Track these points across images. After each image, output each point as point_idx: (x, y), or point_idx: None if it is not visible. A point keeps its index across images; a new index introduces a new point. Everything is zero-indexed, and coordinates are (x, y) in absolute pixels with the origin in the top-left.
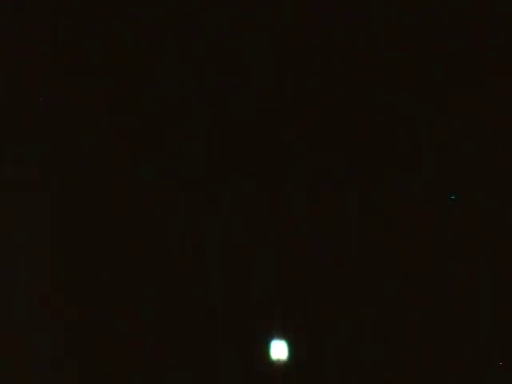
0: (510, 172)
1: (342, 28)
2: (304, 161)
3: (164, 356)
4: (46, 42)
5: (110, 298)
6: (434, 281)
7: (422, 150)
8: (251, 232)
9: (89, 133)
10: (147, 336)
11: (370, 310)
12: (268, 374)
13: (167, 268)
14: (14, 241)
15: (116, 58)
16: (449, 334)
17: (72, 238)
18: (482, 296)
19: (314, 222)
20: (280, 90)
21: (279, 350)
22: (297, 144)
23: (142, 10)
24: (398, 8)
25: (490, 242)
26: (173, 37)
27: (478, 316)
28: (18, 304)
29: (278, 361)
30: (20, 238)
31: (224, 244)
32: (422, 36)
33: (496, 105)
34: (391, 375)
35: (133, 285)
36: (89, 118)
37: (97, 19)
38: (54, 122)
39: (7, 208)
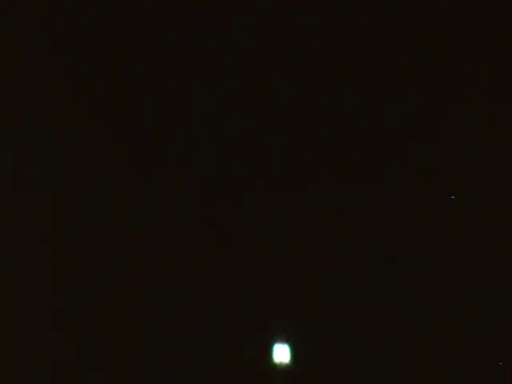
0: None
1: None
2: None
3: (165, 359)
4: (45, 42)
5: (110, 298)
6: (436, 283)
7: (422, 150)
8: (254, 233)
9: (89, 132)
10: (147, 338)
11: (374, 313)
12: (270, 377)
13: (168, 270)
14: (13, 241)
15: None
16: (450, 335)
17: (72, 238)
18: (481, 296)
19: (317, 225)
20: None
21: (282, 353)
22: (297, 144)
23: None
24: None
25: (489, 243)
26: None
27: (477, 316)
28: (17, 303)
29: (281, 364)
30: (20, 239)
31: (226, 245)
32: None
33: (496, 106)
34: (395, 378)
35: (133, 285)
36: (90, 117)
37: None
38: (53, 122)
39: (7, 208)
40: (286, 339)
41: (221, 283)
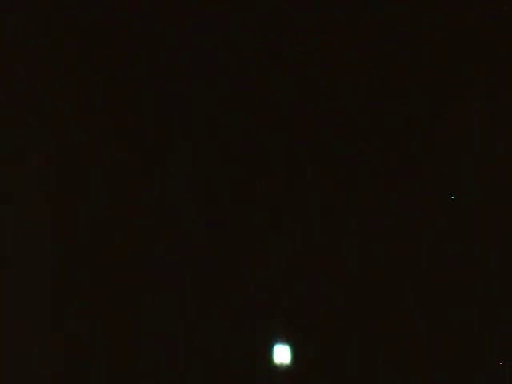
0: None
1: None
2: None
3: (164, 360)
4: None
5: (109, 298)
6: (436, 283)
7: (422, 150)
8: (254, 233)
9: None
10: (147, 338)
11: (375, 315)
12: (271, 378)
13: (168, 270)
14: (13, 241)
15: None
16: (450, 335)
17: (72, 238)
18: (481, 296)
19: (318, 225)
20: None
21: (282, 354)
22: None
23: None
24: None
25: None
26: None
27: (477, 316)
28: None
29: (281, 365)
30: (20, 239)
31: (226, 245)
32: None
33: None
34: (395, 379)
35: (133, 285)
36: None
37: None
38: (53, 122)
39: (7, 210)
40: (286, 340)
41: (221, 283)
